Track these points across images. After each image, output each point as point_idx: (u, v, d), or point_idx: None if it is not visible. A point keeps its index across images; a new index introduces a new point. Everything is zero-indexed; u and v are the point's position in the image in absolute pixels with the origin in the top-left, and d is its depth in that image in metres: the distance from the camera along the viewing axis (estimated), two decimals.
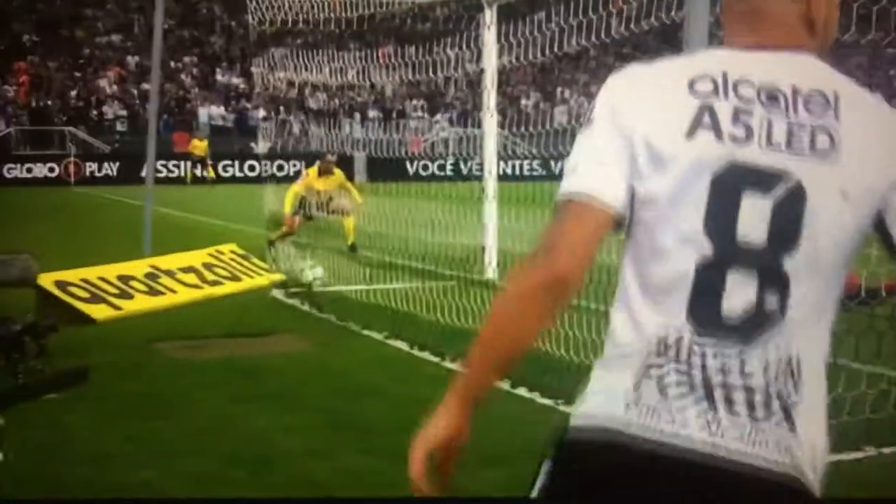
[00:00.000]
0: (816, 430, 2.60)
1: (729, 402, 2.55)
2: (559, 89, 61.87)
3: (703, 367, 2.57)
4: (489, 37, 15.70)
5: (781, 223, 2.56)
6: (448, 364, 10.02)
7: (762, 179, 2.56)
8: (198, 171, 48.74)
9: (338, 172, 19.96)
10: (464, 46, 15.61)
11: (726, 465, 2.51)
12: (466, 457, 6.88)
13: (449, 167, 45.84)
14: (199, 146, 49.67)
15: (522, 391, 9.02)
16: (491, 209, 16.22)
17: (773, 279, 2.57)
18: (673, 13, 9.05)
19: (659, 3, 9.48)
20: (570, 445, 2.67)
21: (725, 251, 2.57)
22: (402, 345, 11.00)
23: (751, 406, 2.54)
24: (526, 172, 48.53)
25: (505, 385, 9.18)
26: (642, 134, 2.61)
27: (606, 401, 2.63)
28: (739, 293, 2.56)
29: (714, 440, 2.52)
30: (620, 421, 2.58)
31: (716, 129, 2.59)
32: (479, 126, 16.81)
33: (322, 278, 14.63)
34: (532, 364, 9.73)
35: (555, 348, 9.99)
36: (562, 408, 8.49)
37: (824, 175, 2.56)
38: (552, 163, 52.10)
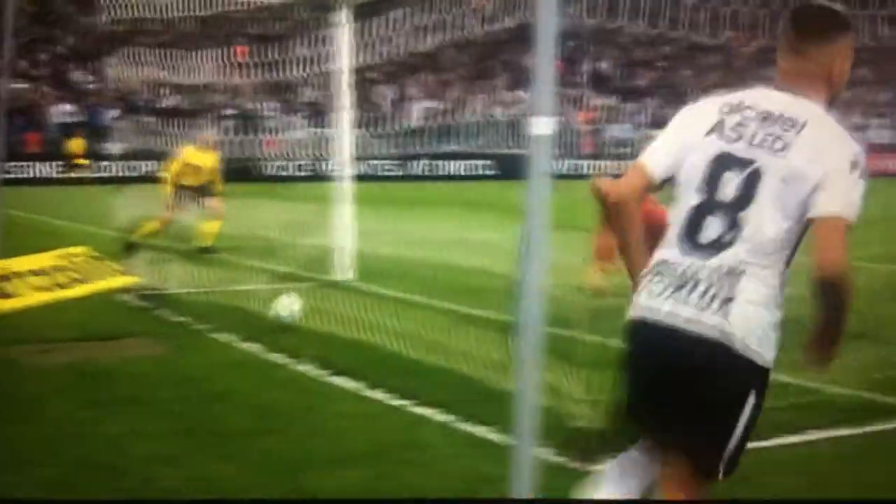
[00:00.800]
0: (747, 318, 4.28)
1: (687, 296, 4.35)
2: (416, 89, 61.96)
3: (678, 274, 4.40)
4: (343, 36, 15.65)
5: (743, 190, 4.35)
6: (302, 367, 9.94)
7: (738, 163, 4.39)
8: (75, 173, 48.42)
9: (211, 153, 19.79)
10: (318, 46, 15.56)
11: (681, 333, 4.33)
12: (322, 457, 6.74)
13: (305, 168, 45.62)
14: (77, 144, 49.27)
15: (378, 393, 8.99)
16: (346, 210, 16.16)
17: (732, 223, 4.34)
18: (525, 14, 9.09)
19: (513, 4, 9.53)
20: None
21: (707, 203, 4.41)
22: (256, 348, 10.89)
23: (701, 298, 4.32)
24: (384, 172, 48.58)
25: (361, 387, 9.17)
26: (686, 135, 4.56)
27: (633, 303, 4.56)
28: (710, 229, 4.38)
29: (675, 320, 4.36)
30: (633, 315, 4.54)
31: (719, 133, 4.49)
32: (335, 126, 16.73)
33: (294, 313, 12.11)
34: (388, 367, 9.75)
35: (409, 352, 10.02)
36: (416, 409, 8.49)
37: (775, 165, 4.32)
38: (409, 163, 52.40)
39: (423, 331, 10.23)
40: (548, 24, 5.88)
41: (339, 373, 9.61)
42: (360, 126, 16.81)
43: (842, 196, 4.24)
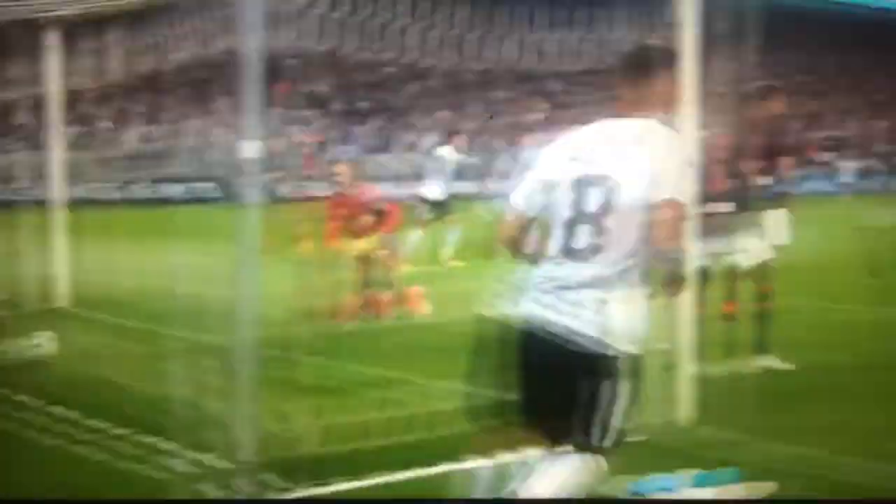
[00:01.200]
0: (618, 319, 5.15)
1: (564, 301, 5.20)
2: (133, 112, 60.99)
3: (558, 281, 5.24)
4: (56, 58, 15.30)
5: (605, 201, 5.21)
6: (16, 398, 9.62)
7: (596, 181, 5.26)
8: None
9: None
10: (31, 67, 15.20)
11: (559, 336, 5.18)
12: (41, 490, 6.38)
13: (20, 192, 44.28)
14: None
15: (96, 422, 8.77)
16: (61, 236, 15.74)
17: (599, 230, 5.21)
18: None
19: (226, 28, 9.49)
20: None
21: (576, 216, 5.27)
22: None
23: (577, 303, 5.18)
24: (101, 197, 47.60)
25: (79, 417, 8.93)
26: (548, 171, 5.47)
27: (519, 306, 5.37)
28: (582, 237, 5.24)
29: (553, 325, 5.20)
30: (514, 316, 5.35)
31: (576, 160, 5.37)
32: (49, 150, 16.27)
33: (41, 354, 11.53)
34: (105, 396, 9.54)
35: (127, 379, 9.85)
36: (136, 438, 8.33)
37: (627, 176, 5.19)
38: (127, 187, 51.44)
39: (141, 358, 10.06)
40: (254, 48, 5.90)
41: (55, 402, 9.35)
42: (75, 150, 16.42)
43: (676, 184, 5.20)
